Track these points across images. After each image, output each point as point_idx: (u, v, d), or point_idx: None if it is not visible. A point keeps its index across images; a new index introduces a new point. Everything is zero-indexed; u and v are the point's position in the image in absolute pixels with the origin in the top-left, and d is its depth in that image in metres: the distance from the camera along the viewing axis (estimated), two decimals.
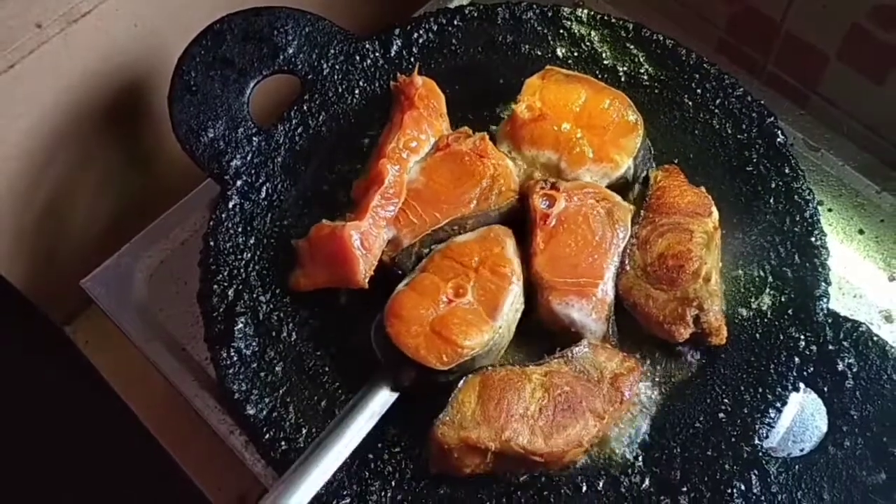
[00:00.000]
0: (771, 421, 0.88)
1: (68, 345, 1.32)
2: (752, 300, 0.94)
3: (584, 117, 1.00)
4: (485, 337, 0.88)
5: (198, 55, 1.05)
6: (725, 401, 0.90)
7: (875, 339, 0.89)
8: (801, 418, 0.94)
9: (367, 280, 0.93)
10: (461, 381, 0.86)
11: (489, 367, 0.88)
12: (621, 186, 0.99)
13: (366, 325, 0.94)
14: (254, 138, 1.04)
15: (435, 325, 0.88)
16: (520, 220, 0.97)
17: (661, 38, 1.09)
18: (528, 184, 0.97)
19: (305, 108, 1.07)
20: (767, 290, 0.94)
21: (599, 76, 1.07)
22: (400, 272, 0.94)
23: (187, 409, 1.05)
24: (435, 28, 1.11)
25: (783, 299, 0.93)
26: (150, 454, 1.21)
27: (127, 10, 1.12)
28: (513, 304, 0.92)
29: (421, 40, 1.11)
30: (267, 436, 0.90)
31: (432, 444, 0.84)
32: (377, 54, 1.10)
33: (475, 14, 1.12)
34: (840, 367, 0.89)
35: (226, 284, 0.97)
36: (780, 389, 0.89)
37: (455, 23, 1.12)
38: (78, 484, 1.49)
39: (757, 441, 0.87)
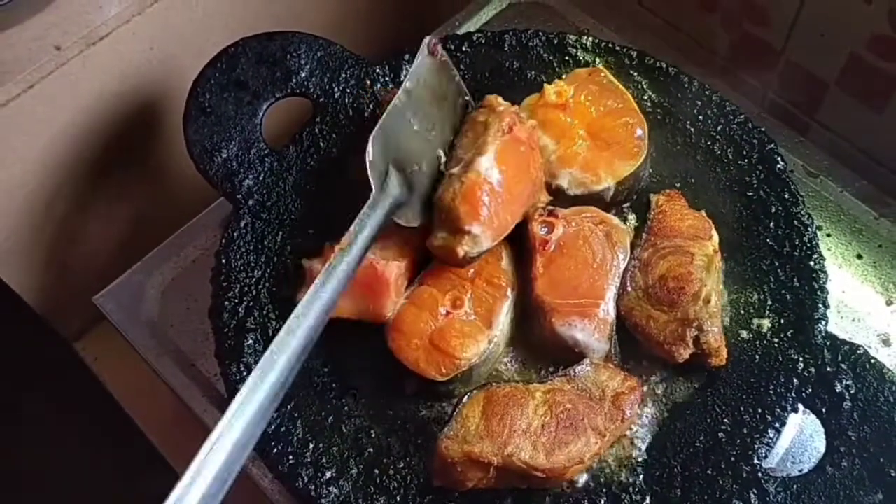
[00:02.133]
0: (770, 441, 0.89)
1: (77, 360, 1.33)
2: (752, 322, 0.96)
3: (597, 124, 1.03)
4: (481, 347, 0.92)
5: (212, 77, 1.08)
6: (725, 421, 0.91)
7: (872, 361, 0.91)
8: (799, 439, 0.95)
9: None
10: (465, 397, 0.88)
11: (493, 384, 0.90)
12: (595, 202, 1.01)
13: (372, 342, 0.96)
14: (266, 159, 1.07)
15: (434, 339, 0.92)
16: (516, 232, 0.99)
17: (664, 66, 1.11)
18: (527, 211, 0.99)
19: (317, 130, 1.10)
20: (767, 312, 0.96)
21: None
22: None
23: (194, 425, 1.07)
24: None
25: (782, 321, 0.95)
26: (155, 470, 1.22)
27: (143, 33, 1.15)
28: (507, 313, 0.95)
29: None
30: (275, 450, 0.92)
31: (436, 458, 0.85)
32: (387, 79, 1.13)
33: (483, 40, 1.15)
34: (838, 388, 0.90)
35: (237, 301, 0.99)
36: (779, 410, 0.90)
37: (463, 49, 1.14)
38: (82, 500, 1.50)
39: (756, 461, 0.88)
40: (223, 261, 1.01)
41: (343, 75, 1.12)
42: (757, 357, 0.94)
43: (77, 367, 1.32)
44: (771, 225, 1.00)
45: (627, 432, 0.91)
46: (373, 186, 0.90)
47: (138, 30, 1.14)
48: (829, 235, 1.10)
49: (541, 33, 1.15)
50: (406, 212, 0.94)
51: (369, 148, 0.90)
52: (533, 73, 1.14)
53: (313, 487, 0.90)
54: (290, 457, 0.92)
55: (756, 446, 0.89)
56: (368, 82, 1.12)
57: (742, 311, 0.97)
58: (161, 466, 1.21)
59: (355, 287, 0.94)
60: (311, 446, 0.92)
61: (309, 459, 0.92)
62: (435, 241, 0.93)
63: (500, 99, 1.01)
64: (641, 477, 0.89)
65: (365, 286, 0.95)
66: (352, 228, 0.87)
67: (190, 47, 1.20)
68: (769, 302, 0.96)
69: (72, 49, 1.09)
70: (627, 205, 1.05)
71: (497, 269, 0.96)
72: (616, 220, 1.00)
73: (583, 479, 0.90)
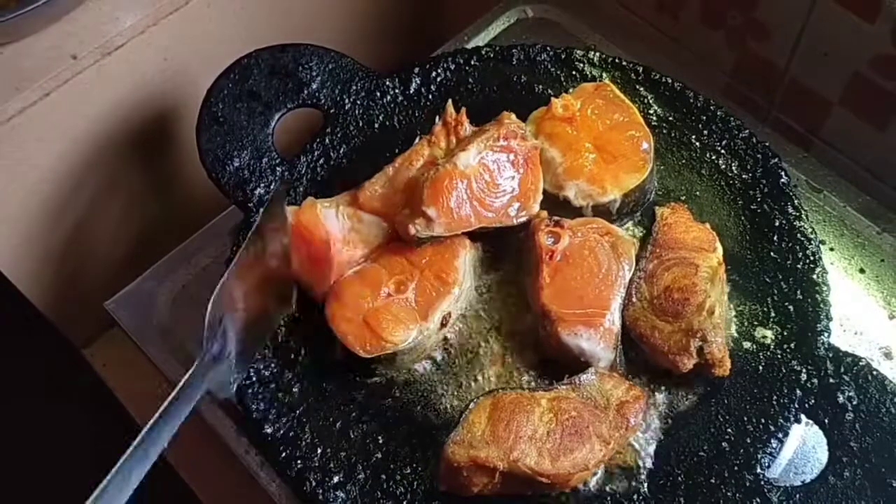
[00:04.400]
0: (773, 451, 0.90)
1: (86, 366, 1.34)
2: (755, 333, 0.97)
3: (603, 138, 1.04)
4: (410, 335, 0.94)
5: (226, 88, 1.10)
6: (729, 430, 0.92)
7: (875, 373, 0.92)
8: (802, 449, 0.96)
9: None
10: (472, 403, 0.89)
11: (500, 390, 0.91)
12: (601, 214, 1.03)
13: None
14: (277, 168, 1.09)
15: (367, 316, 0.94)
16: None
17: (670, 81, 1.13)
18: (534, 222, 1.01)
19: (327, 140, 1.11)
20: (770, 324, 0.97)
21: None
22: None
23: (200, 432, 1.07)
24: (452, 67, 1.16)
25: (785, 333, 0.96)
26: (162, 477, 1.22)
27: (158, 44, 1.17)
28: (447, 309, 0.97)
29: (439, 79, 1.15)
30: (284, 454, 0.93)
31: (442, 463, 0.86)
32: (397, 91, 1.14)
33: (491, 55, 1.17)
34: (840, 400, 0.91)
35: None
36: (781, 421, 0.91)
37: (472, 63, 1.16)
38: None
39: (759, 470, 0.89)
40: None
41: (353, 87, 1.14)
42: (760, 368, 0.95)
43: (86, 373, 1.33)
44: (775, 238, 1.02)
45: (632, 440, 0.92)
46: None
47: (153, 40, 1.16)
48: (832, 249, 1.11)
49: (548, 48, 1.17)
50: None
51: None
52: (540, 86, 1.15)
53: (321, 492, 0.91)
54: (299, 461, 0.93)
55: (759, 456, 0.90)
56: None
57: (745, 323, 0.98)
58: (167, 473, 1.21)
59: (306, 250, 0.99)
60: (318, 451, 0.93)
61: (317, 464, 0.92)
62: (398, 215, 0.99)
63: (512, 116, 1.04)
64: (645, 485, 0.90)
65: (311, 256, 0.99)
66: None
67: (203, 58, 1.22)
68: (772, 314, 0.97)
69: (88, 58, 1.11)
70: (633, 217, 1.06)
71: (449, 266, 0.98)
72: (621, 232, 1.01)
73: (587, 485, 0.90)
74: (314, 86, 1.12)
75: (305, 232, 0.99)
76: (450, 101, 1.06)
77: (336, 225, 1.00)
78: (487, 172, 0.99)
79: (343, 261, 0.99)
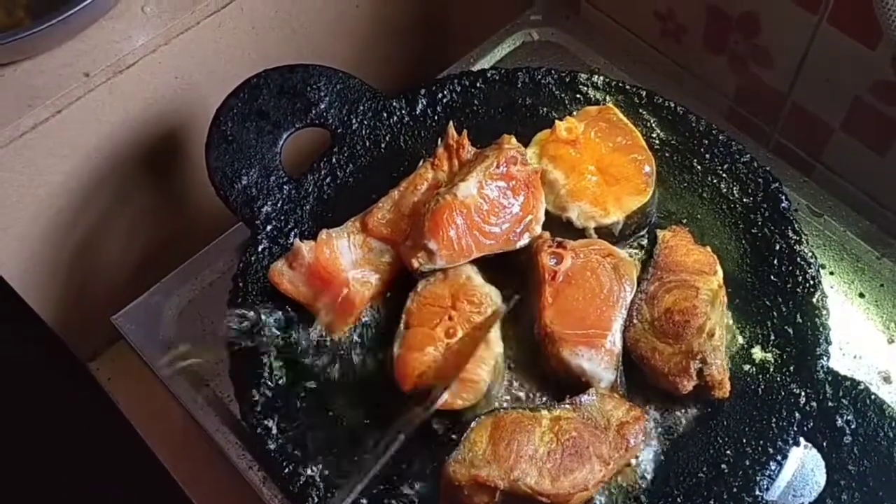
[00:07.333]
0: (772, 473, 0.91)
1: (91, 380, 1.35)
2: (755, 356, 0.97)
3: (606, 160, 1.06)
4: (491, 363, 0.94)
5: (235, 106, 1.11)
6: (728, 452, 0.92)
7: (873, 397, 0.92)
8: (801, 472, 0.96)
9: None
10: (474, 423, 0.90)
11: (501, 410, 0.91)
12: (603, 236, 1.04)
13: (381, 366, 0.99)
14: (285, 186, 1.10)
15: (448, 371, 0.92)
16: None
17: (673, 105, 1.14)
18: (536, 242, 1.02)
19: (334, 159, 1.13)
20: (770, 346, 0.98)
21: None
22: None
23: (205, 447, 1.09)
24: (458, 89, 1.17)
25: (784, 356, 0.97)
26: (166, 491, 1.23)
27: (169, 63, 1.19)
28: (497, 325, 0.97)
29: (445, 100, 1.17)
30: (286, 470, 0.94)
31: (443, 481, 0.87)
32: (403, 112, 1.16)
33: (497, 77, 1.18)
34: (839, 423, 0.91)
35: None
36: (780, 443, 0.92)
37: (478, 85, 1.18)
38: None
39: (758, 492, 0.89)
40: (241, 284, 1.04)
41: (361, 107, 1.15)
42: (759, 390, 0.95)
43: (91, 386, 1.34)
44: (775, 262, 1.03)
45: (631, 461, 0.93)
46: None
47: (164, 59, 1.18)
48: (832, 273, 1.12)
49: (553, 71, 1.18)
50: None
51: None
52: (545, 109, 1.16)
53: None
54: (302, 477, 0.93)
55: (758, 478, 0.90)
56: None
57: (745, 345, 0.98)
58: (171, 487, 1.22)
59: (324, 288, 1.00)
60: (320, 467, 0.94)
61: (319, 480, 0.93)
62: (402, 246, 1.00)
63: (513, 140, 1.05)
64: None
65: (334, 298, 0.99)
66: None
67: (213, 77, 1.24)
68: (772, 337, 0.98)
69: (100, 76, 1.13)
70: (635, 239, 1.07)
71: (471, 287, 0.98)
72: (623, 254, 1.02)
73: None
74: (322, 106, 1.14)
75: (325, 273, 0.99)
76: (451, 123, 1.08)
77: (349, 258, 1.01)
78: (487, 201, 0.99)
79: (363, 301, 1.01)
